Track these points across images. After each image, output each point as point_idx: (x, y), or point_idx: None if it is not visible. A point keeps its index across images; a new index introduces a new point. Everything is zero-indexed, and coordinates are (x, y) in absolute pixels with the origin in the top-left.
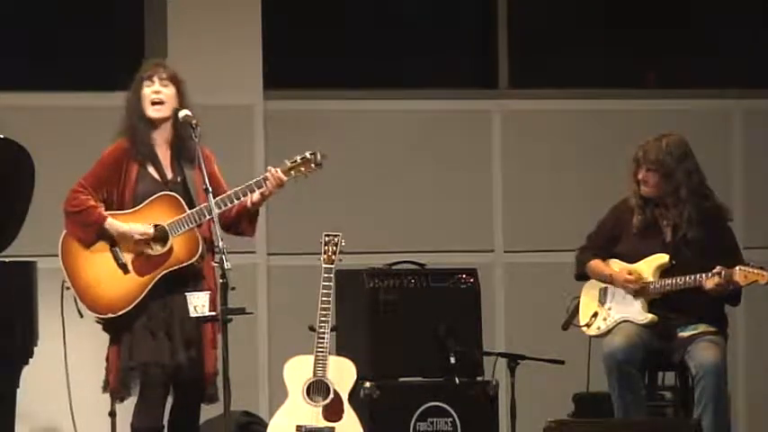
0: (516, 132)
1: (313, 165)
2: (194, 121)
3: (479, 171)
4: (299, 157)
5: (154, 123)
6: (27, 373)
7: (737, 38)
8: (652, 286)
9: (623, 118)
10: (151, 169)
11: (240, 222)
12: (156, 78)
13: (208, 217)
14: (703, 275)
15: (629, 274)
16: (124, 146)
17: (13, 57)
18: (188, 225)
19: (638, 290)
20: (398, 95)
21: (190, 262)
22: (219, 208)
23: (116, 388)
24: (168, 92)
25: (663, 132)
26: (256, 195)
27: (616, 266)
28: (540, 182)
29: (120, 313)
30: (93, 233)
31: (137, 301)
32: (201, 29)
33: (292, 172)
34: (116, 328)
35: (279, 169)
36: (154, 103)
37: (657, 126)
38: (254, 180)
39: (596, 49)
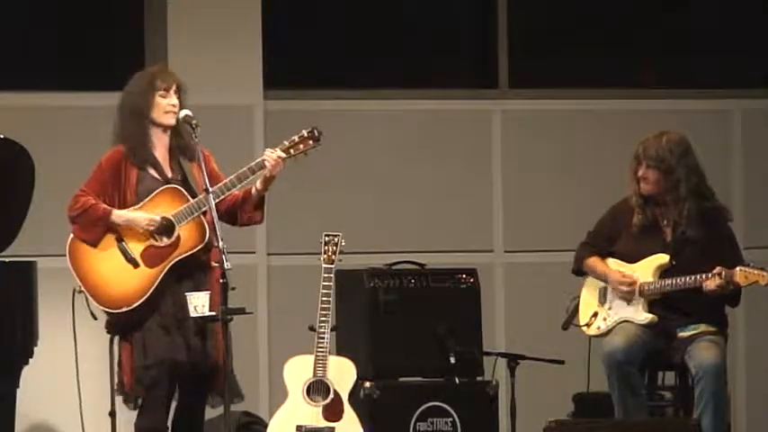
0: (516, 132)
1: (311, 142)
2: (194, 121)
3: (479, 171)
4: (296, 136)
5: (160, 128)
6: (32, 376)
7: (737, 38)
8: (652, 286)
9: (623, 118)
10: (151, 170)
11: (246, 207)
12: (172, 91)
13: (209, 205)
14: (703, 276)
15: (624, 276)
16: (122, 150)
17: (13, 57)
18: (192, 213)
19: (631, 292)
20: (398, 95)
21: (198, 248)
22: (223, 193)
23: (132, 387)
24: (178, 102)
25: (663, 130)
26: (259, 182)
27: (613, 266)
28: (540, 182)
29: (135, 305)
30: (101, 230)
31: (150, 292)
32: (201, 29)
33: (291, 150)
34: (127, 327)
35: (277, 148)
36: (167, 112)
37: (657, 126)
38: (254, 163)
39: (596, 49)
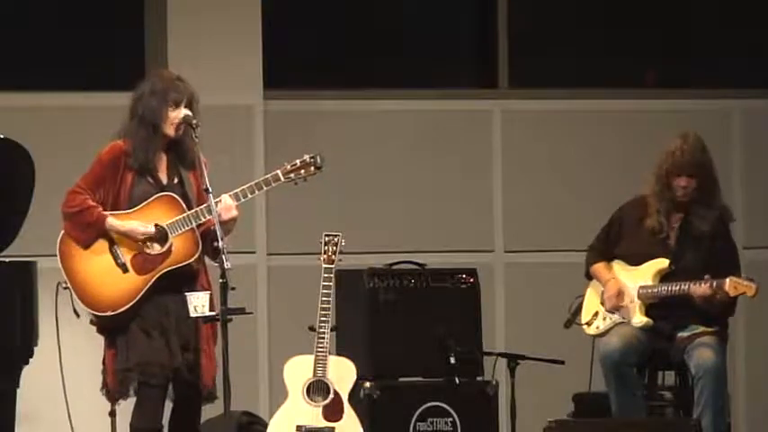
0: (516, 132)
1: (313, 168)
2: (194, 122)
3: (479, 171)
4: (298, 161)
5: (164, 137)
6: (32, 375)
7: (737, 38)
8: (649, 290)
9: (623, 118)
10: (147, 176)
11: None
12: (182, 105)
13: (205, 218)
14: (692, 284)
15: (617, 297)
16: (122, 147)
17: (13, 57)
18: (187, 225)
19: (616, 308)
20: (398, 95)
21: (189, 262)
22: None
23: (114, 389)
24: (190, 114)
25: (681, 133)
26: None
27: (618, 268)
28: (540, 182)
29: (120, 311)
30: (93, 233)
31: (136, 299)
32: (202, 29)
33: (292, 174)
34: (111, 330)
35: (278, 171)
36: (173, 125)
37: (657, 126)
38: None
39: (596, 49)
